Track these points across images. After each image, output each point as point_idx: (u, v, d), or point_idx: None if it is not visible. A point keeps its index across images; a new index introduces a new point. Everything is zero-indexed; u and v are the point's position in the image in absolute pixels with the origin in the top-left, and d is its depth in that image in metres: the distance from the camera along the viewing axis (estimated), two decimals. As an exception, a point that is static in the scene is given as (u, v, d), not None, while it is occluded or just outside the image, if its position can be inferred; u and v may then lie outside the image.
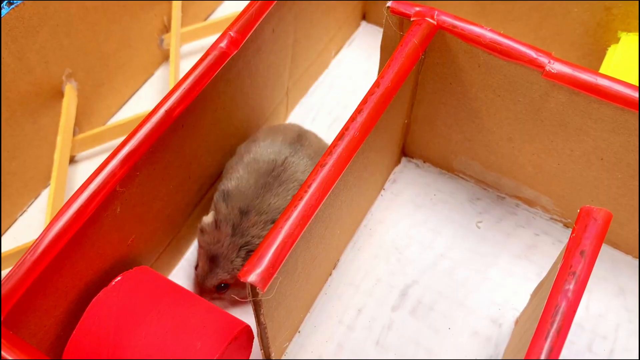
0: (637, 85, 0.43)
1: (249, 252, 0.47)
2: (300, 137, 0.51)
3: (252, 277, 0.35)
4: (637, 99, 0.42)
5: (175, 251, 0.52)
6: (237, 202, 0.47)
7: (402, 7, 0.45)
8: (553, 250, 0.53)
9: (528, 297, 0.48)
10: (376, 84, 0.42)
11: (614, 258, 0.52)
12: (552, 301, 0.35)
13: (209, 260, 0.48)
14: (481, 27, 0.45)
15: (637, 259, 0.52)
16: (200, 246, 0.49)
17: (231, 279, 0.48)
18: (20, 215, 0.56)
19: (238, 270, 0.47)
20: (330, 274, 0.52)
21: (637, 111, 0.42)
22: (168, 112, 0.42)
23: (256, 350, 0.45)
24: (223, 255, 0.47)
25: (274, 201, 0.47)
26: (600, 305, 0.50)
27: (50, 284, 0.39)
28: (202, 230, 0.48)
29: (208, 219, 0.48)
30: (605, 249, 0.53)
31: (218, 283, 0.48)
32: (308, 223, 0.38)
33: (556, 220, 0.54)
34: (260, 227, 0.47)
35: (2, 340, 0.35)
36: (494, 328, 0.49)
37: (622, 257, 0.52)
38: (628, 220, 0.49)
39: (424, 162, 0.58)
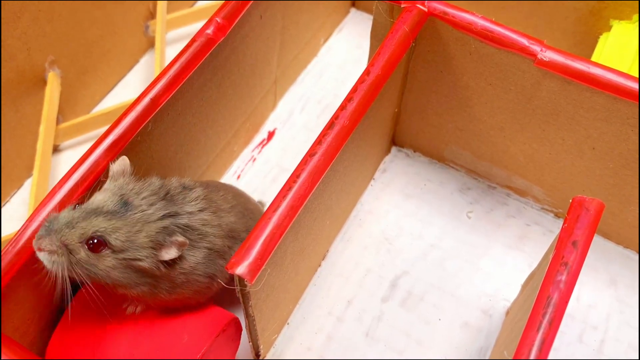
0: (629, 73, 0.42)
1: (172, 226, 0.36)
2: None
3: (240, 269, 0.34)
4: (630, 88, 0.41)
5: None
6: (180, 180, 0.40)
7: (393, -6, 0.45)
8: (544, 240, 0.52)
9: (519, 288, 0.48)
10: (366, 72, 0.42)
11: (605, 248, 0.52)
12: (544, 292, 0.35)
13: (113, 197, 0.36)
14: (473, 14, 0.44)
15: (628, 249, 0.52)
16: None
17: (125, 244, 0.35)
18: (3, 206, 0.55)
19: (142, 239, 0.35)
20: (319, 265, 0.51)
21: (630, 100, 0.41)
22: (153, 100, 0.42)
23: (245, 342, 0.45)
24: (137, 207, 0.36)
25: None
26: (591, 296, 0.50)
27: (33, 277, 0.38)
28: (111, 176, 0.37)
29: (118, 160, 0.38)
30: (596, 239, 0.53)
31: (93, 233, 0.35)
32: (297, 214, 0.37)
33: (547, 210, 0.54)
34: (199, 207, 0.38)
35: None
36: (485, 319, 0.49)
37: (613, 247, 0.52)
38: (619, 210, 0.49)
39: (414, 151, 0.58)
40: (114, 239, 0.35)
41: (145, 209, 0.36)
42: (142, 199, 0.36)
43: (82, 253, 0.35)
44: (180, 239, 0.36)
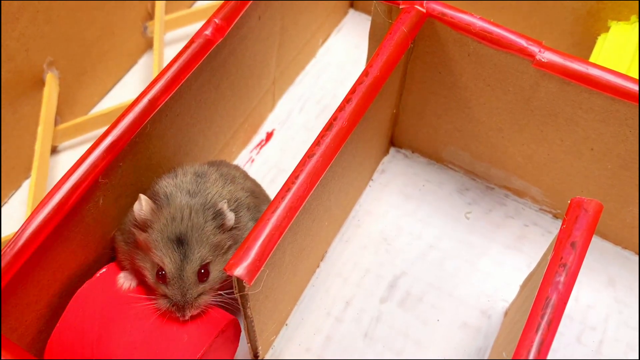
0: (627, 74, 0.42)
1: (213, 208, 0.40)
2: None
3: (239, 271, 0.34)
4: (629, 89, 0.41)
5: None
6: (190, 169, 0.44)
7: (391, -5, 0.45)
8: (543, 241, 0.52)
9: (517, 288, 0.48)
10: (364, 73, 0.42)
11: (604, 249, 0.52)
12: (543, 293, 0.35)
13: (172, 248, 0.39)
14: (471, 15, 0.44)
15: (627, 250, 0.52)
16: (132, 251, 0.41)
17: (211, 253, 0.40)
18: (1, 207, 0.55)
19: (213, 237, 0.40)
20: (318, 266, 0.51)
21: (629, 101, 0.41)
22: (152, 101, 0.41)
23: (243, 343, 0.45)
24: (190, 228, 0.39)
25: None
26: (590, 296, 0.50)
27: (32, 278, 0.38)
28: (136, 224, 0.41)
29: (142, 203, 0.40)
30: (594, 240, 0.53)
31: (199, 267, 0.39)
32: (296, 215, 0.37)
33: (545, 211, 0.54)
34: (220, 184, 0.43)
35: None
36: (484, 319, 0.49)
37: (611, 247, 0.52)
38: (617, 211, 0.49)
39: (413, 152, 0.58)
40: (206, 259, 0.39)
41: (190, 222, 0.39)
42: (183, 220, 0.39)
43: (206, 284, 0.40)
44: (224, 206, 0.41)
